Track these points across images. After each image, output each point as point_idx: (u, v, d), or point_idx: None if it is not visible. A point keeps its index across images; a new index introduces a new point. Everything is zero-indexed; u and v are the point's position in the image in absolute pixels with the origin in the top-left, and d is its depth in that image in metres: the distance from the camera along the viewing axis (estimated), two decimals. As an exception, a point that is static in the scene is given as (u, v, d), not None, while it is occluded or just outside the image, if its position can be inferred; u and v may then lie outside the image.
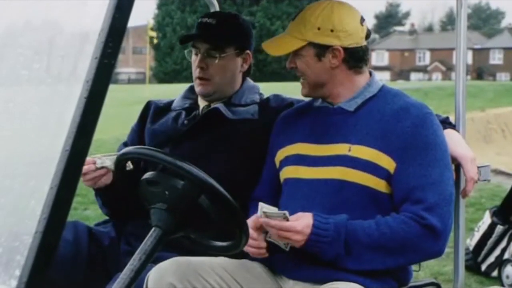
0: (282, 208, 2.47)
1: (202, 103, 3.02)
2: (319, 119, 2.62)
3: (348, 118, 2.55)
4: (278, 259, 2.49)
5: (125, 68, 63.72)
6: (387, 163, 2.43)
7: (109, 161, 2.67)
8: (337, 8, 2.55)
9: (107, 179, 2.76)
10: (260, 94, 3.07)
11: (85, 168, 2.65)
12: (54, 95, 1.75)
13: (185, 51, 3.03)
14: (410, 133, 2.44)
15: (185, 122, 2.97)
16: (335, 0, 2.58)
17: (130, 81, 56.66)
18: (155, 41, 38.48)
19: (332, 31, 2.53)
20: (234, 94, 2.99)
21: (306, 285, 2.44)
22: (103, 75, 1.45)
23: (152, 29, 34.44)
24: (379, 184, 2.44)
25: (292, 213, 2.41)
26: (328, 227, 2.34)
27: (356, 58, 2.57)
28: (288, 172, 2.61)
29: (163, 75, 45.49)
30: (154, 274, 2.31)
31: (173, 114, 3.02)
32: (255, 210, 2.45)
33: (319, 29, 2.53)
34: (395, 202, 2.45)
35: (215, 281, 2.37)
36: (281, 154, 2.67)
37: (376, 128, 2.48)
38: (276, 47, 2.63)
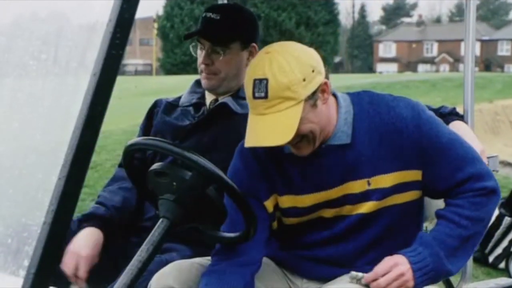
0: (308, 239, 2.43)
1: (209, 97, 3.02)
2: (309, 165, 2.34)
3: (346, 152, 2.32)
4: (291, 258, 2.47)
5: (132, 59, 63.75)
6: (413, 175, 2.36)
7: None
8: (296, 47, 2.24)
9: None
10: None
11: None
12: (62, 85, 1.75)
13: (191, 46, 3.01)
14: (417, 137, 2.30)
15: (195, 119, 2.97)
16: (277, 46, 2.24)
17: (137, 73, 56.68)
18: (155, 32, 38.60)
19: (313, 71, 2.19)
20: (242, 87, 2.99)
21: (318, 284, 2.43)
22: (111, 65, 1.45)
23: (154, 20, 34.67)
24: (408, 196, 2.39)
25: (327, 249, 2.40)
26: (424, 256, 2.28)
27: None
28: (300, 218, 2.42)
29: (170, 66, 45.44)
30: (156, 280, 2.29)
31: (181, 110, 3.02)
32: None
33: (304, 80, 2.16)
34: (438, 194, 2.41)
35: None
36: (272, 202, 2.40)
37: (383, 150, 2.32)
38: (277, 135, 2.15)
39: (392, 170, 2.32)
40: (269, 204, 2.37)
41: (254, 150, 2.35)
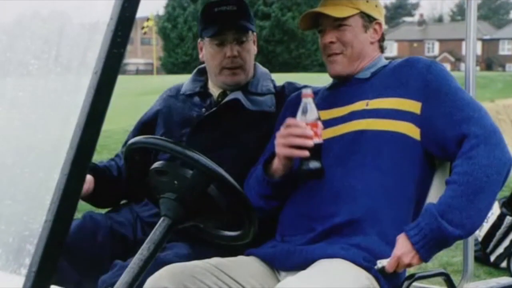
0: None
1: (215, 89, 3.03)
2: (333, 91, 2.69)
3: (363, 83, 2.61)
4: (270, 253, 2.47)
5: (133, 59, 63.72)
6: (410, 106, 2.46)
7: None
8: None
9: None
10: (272, 80, 3.10)
11: None
12: (63, 84, 1.75)
13: (206, 39, 3.01)
14: (425, 72, 2.50)
15: (203, 110, 2.98)
16: None
17: (138, 72, 56.66)
18: (145, 30, 38.45)
19: (376, 6, 2.67)
20: (250, 82, 3.02)
21: (296, 273, 2.37)
22: (112, 64, 1.45)
23: (148, 19, 34.69)
24: (400, 126, 2.45)
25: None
26: (421, 228, 2.30)
27: (383, 37, 2.71)
28: None
29: (171, 66, 45.43)
30: (151, 282, 2.28)
31: (186, 98, 3.04)
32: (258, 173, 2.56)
33: (367, 1, 2.63)
34: (436, 137, 2.43)
35: (212, 282, 2.34)
36: None
37: (391, 81, 2.55)
38: (332, 10, 2.60)
39: (392, 95, 2.51)
40: None
41: None
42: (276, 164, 2.48)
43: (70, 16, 1.89)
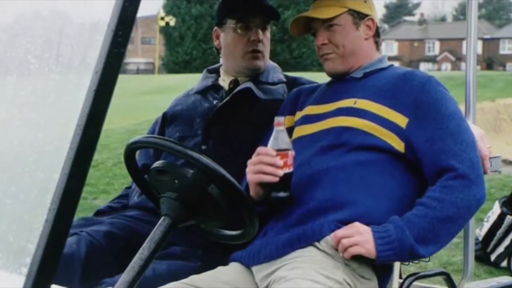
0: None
1: (227, 78, 3.03)
2: (327, 88, 2.72)
3: (356, 82, 2.62)
4: (245, 255, 2.46)
5: (134, 58, 63.71)
6: (397, 118, 2.46)
7: None
8: None
9: None
10: (282, 73, 3.11)
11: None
12: (64, 84, 1.75)
13: (230, 24, 2.98)
14: (419, 90, 2.47)
15: (215, 102, 2.99)
16: None
17: (139, 71, 56.64)
18: (171, 23, 37.85)
19: (365, 2, 2.65)
20: (261, 73, 3.02)
21: (263, 266, 2.39)
22: (113, 63, 1.45)
23: (162, 18, 34.56)
24: (386, 135, 2.45)
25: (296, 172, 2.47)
26: (387, 227, 2.31)
27: (378, 33, 2.71)
28: (295, 132, 2.65)
29: (173, 65, 45.52)
30: None
31: (198, 96, 3.05)
32: None
33: None
34: (418, 156, 2.43)
35: None
36: (290, 120, 2.71)
37: (384, 89, 2.54)
38: (319, 13, 2.62)
39: (381, 103, 2.49)
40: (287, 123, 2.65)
41: (309, 87, 2.86)
42: (251, 192, 2.46)
43: (70, 16, 1.89)
